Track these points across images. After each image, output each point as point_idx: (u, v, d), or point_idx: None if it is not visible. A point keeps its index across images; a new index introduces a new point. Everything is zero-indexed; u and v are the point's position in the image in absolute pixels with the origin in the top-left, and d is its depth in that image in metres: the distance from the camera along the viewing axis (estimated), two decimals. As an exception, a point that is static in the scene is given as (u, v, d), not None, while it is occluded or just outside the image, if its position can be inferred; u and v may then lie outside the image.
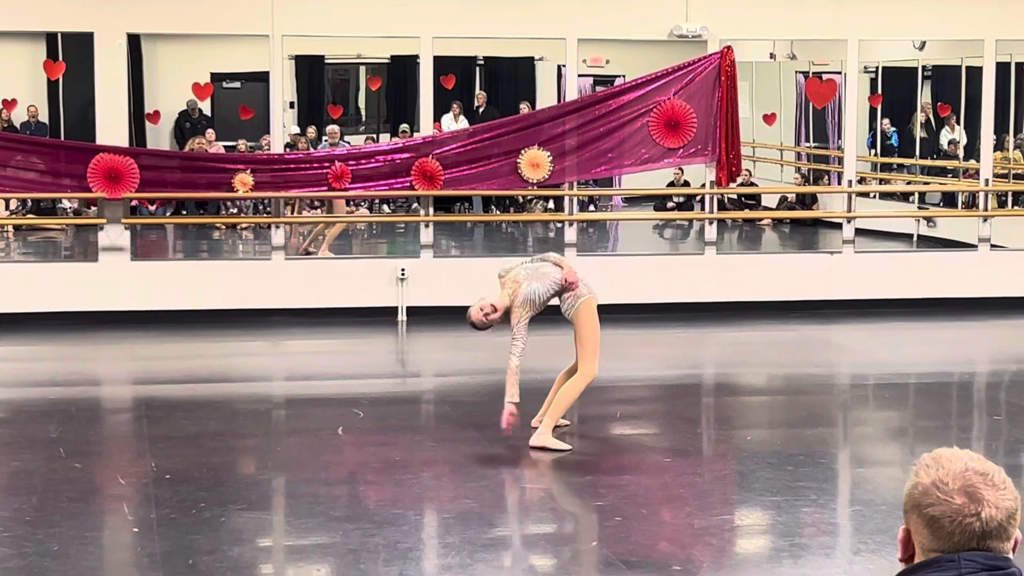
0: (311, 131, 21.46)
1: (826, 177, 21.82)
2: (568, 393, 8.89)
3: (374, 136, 22.73)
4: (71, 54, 18.91)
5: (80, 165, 13.47)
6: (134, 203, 15.82)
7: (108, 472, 8.56)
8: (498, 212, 20.24)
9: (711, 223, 14.76)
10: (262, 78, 14.60)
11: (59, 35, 18.42)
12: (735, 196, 19.60)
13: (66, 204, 18.35)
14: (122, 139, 13.77)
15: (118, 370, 12.39)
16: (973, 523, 2.34)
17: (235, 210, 19.16)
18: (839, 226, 15.47)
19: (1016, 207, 18.69)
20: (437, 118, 17.27)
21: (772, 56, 21.91)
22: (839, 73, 17.37)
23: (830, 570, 6.71)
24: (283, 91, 14.93)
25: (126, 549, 7.15)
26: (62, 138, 19.15)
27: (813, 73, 20.52)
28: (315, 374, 11.91)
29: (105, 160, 13.44)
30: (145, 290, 13.67)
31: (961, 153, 19.42)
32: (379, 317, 13.71)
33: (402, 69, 22.46)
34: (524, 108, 20.06)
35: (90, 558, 6.85)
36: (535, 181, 14.13)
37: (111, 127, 13.67)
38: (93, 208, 15.06)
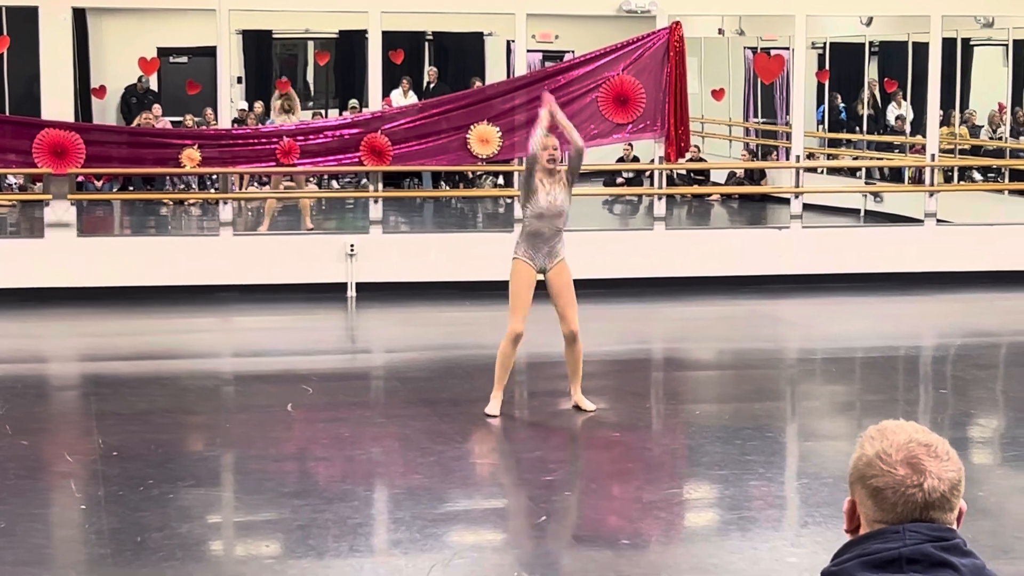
0: (258, 106, 21.33)
1: (774, 152, 21.92)
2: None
3: (322, 112, 22.63)
4: (15, 28, 18.69)
5: (25, 140, 13.33)
6: (80, 179, 15.68)
7: (55, 449, 8.51)
8: (447, 187, 20.22)
9: (660, 198, 14.80)
10: (210, 53, 14.49)
11: (3, 9, 18.21)
12: (684, 171, 19.65)
13: (11, 180, 18.17)
14: (68, 114, 13.63)
15: (65, 347, 12.30)
16: (916, 494, 2.36)
17: (183, 186, 19.06)
18: (787, 201, 15.55)
19: (962, 182, 18.84)
20: (386, 93, 17.18)
21: (720, 32, 21.97)
22: (787, 49, 17.45)
23: (777, 543, 6.76)
24: (231, 66, 14.83)
25: (74, 526, 7.12)
26: (6, 113, 18.96)
27: (761, 49, 20.59)
28: (264, 350, 11.87)
29: (51, 135, 13.31)
30: (92, 266, 13.56)
31: (908, 128, 19.55)
32: (328, 293, 13.66)
33: (350, 44, 22.37)
34: (476, 85, 20.01)
35: (37, 535, 6.81)
36: (484, 156, 14.12)
37: (56, 102, 13.53)
38: (39, 184, 14.93)
